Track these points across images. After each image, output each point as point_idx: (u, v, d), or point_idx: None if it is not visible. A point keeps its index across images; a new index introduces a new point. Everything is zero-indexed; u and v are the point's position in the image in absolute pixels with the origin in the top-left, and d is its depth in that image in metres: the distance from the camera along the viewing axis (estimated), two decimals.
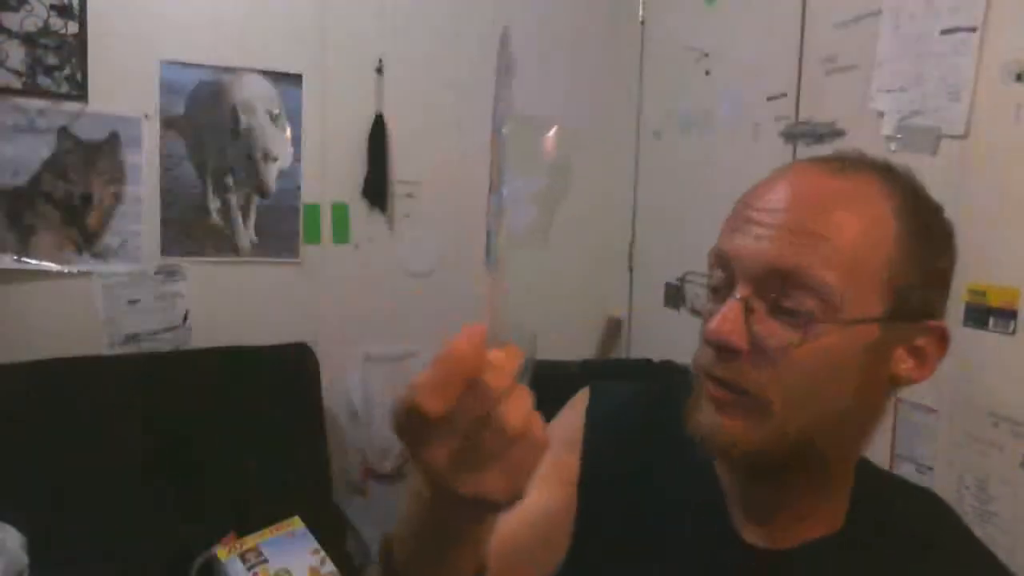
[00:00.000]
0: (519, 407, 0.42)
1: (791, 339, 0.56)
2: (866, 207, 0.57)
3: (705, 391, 0.60)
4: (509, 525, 0.54)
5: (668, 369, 1.74)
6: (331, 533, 1.92)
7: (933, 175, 1.48)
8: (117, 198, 2.01)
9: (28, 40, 1.88)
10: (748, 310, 0.57)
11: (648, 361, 1.89)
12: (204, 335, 2.11)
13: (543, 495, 0.70)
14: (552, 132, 0.45)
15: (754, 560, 0.65)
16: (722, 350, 0.58)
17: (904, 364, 0.60)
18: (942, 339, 0.60)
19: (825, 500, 0.65)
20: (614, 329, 2.53)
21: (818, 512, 0.65)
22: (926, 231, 0.59)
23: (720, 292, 0.61)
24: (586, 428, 0.75)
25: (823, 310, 0.55)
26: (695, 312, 0.61)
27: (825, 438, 0.59)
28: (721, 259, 0.61)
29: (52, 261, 1.96)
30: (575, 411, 0.76)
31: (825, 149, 1.65)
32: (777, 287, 0.56)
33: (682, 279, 0.65)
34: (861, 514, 0.65)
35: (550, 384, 1.02)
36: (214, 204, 2.12)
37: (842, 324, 0.55)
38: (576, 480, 0.72)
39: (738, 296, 0.57)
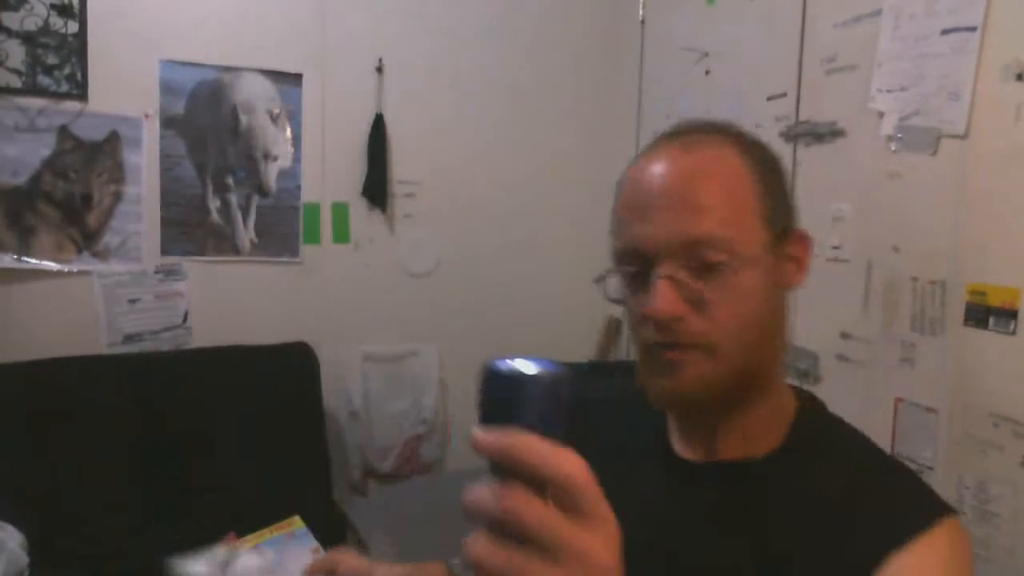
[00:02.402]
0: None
1: (716, 290, 0.67)
2: (724, 167, 0.70)
3: (660, 359, 0.70)
4: None
5: None
6: (331, 533, 1.92)
7: (933, 175, 1.48)
8: (117, 198, 2.01)
9: (28, 39, 1.88)
10: (675, 281, 0.67)
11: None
12: (204, 335, 2.11)
13: None
14: None
15: (688, 470, 0.75)
16: (667, 321, 0.68)
17: (788, 271, 0.72)
18: (806, 241, 0.73)
19: (759, 421, 0.73)
20: (614, 329, 2.53)
21: (753, 435, 0.73)
22: (768, 164, 0.72)
23: (640, 277, 0.70)
24: None
25: (730, 258, 0.67)
26: (617, 301, 0.75)
27: (758, 355, 0.71)
28: (633, 251, 0.70)
29: (52, 260, 1.96)
30: None
31: (825, 149, 1.65)
32: (693, 254, 0.67)
33: (603, 277, 0.76)
34: (795, 439, 0.73)
35: None
36: (214, 204, 2.12)
37: (746, 263, 0.67)
38: None
39: (664, 274, 0.67)
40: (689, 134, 0.73)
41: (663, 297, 0.67)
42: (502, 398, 0.40)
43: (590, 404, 0.85)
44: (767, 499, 0.71)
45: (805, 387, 1.73)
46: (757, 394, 0.73)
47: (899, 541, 0.64)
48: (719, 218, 0.67)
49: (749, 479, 0.72)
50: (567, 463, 0.39)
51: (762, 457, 0.73)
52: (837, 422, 0.79)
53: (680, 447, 0.77)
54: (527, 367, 0.40)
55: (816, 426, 0.75)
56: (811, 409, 0.77)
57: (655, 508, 0.74)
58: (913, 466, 1.42)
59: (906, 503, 0.69)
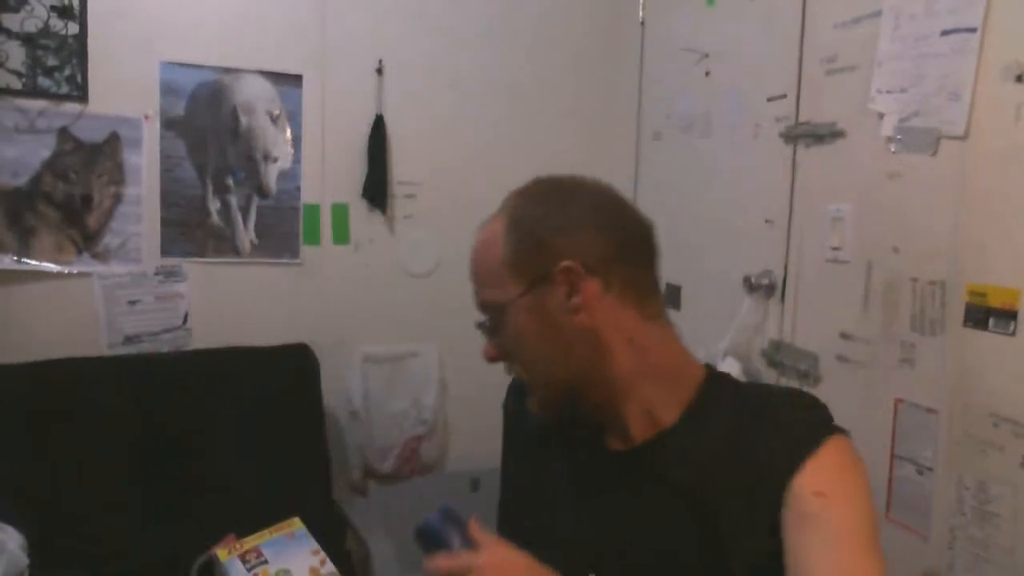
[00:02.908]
0: None
1: (505, 339, 0.86)
2: (486, 237, 0.87)
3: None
4: None
5: None
6: (331, 533, 1.92)
7: (933, 175, 1.48)
8: (117, 199, 2.01)
9: (28, 41, 1.88)
10: (488, 335, 0.88)
11: None
12: (204, 335, 2.11)
13: None
14: None
15: (612, 459, 0.88)
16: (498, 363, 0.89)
17: (565, 297, 0.82)
18: (567, 271, 0.81)
19: (657, 402, 0.84)
20: None
21: (657, 414, 0.84)
22: (520, 222, 0.84)
23: None
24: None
25: (497, 313, 0.85)
26: None
27: (570, 371, 0.84)
28: None
29: (52, 262, 1.96)
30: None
31: (825, 149, 1.65)
32: (484, 314, 0.87)
33: None
34: (697, 404, 0.84)
35: None
36: (214, 205, 2.12)
37: (507, 312, 0.84)
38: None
39: (481, 330, 0.89)
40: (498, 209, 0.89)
41: (484, 348, 0.89)
42: (421, 538, 0.79)
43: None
44: (680, 464, 0.81)
45: (805, 388, 1.74)
46: (632, 386, 0.84)
47: (793, 466, 0.74)
48: (481, 283, 0.87)
49: (661, 452, 0.83)
50: (442, 566, 0.74)
51: (669, 427, 0.84)
52: (735, 383, 0.89)
53: (610, 440, 0.89)
54: (429, 520, 0.79)
55: (715, 391, 0.85)
56: (713, 381, 0.87)
57: (600, 508, 0.87)
58: (913, 466, 1.42)
59: (794, 430, 0.78)
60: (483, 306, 0.87)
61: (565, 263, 0.81)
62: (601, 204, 0.87)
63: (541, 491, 0.95)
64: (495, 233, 0.85)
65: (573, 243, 0.82)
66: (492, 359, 0.88)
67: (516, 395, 1.03)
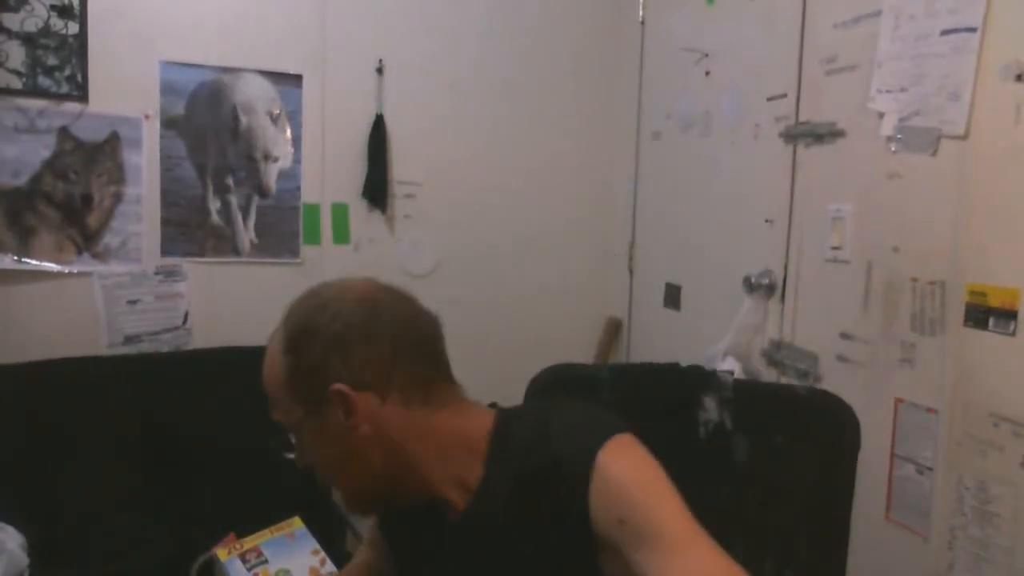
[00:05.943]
0: None
1: (300, 451, 0.89)
2: (269, 355, 0.87)
3: None
4: None
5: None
6: (331, 533, 1.92)
7: (933, 175, 1.48)
8: (117, 198, 2.01)
9: (28, 40, 1.88)
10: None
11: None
12: (204, 335, 2.11)
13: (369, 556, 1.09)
14: None
15: (448, 531, 0.89)
16: None
17: (343, 417, 0.82)
18: (341, 395, 0.81)
19: (459, 470, 0.86)
20: (614, 329, 2.53)
21: (462, 481, 0.86)
22: (297, 344, 0.84)
23: None
24: None
25: (289, 429, 0.88)
26: None
27: (370, 477, 0.86)
28: None
29: (52, 261, 1.96)
30: None
31: (825, 149, 1.65)
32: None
33: None
34: (488, 464, 0.85)
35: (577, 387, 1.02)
36: (214, 204, 2.12)
37: (297, 430, 0.88)
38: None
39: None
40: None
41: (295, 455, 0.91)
42: None
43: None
44: (494, 518, 0.83)
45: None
46: (438, 469, 0.85)
47: (583, 500, 0.76)
48: (271, 402, 0.88)
49: (477, 513, 0.85)
50: None
51: (476, 487, 0.85)
52: (520, 416, 0.90)
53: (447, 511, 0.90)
54: None
55: (502, 438, 0.86)
56: (497, 428, 0.87)
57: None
58: (913, 466, 1.42)
59: (577, 446, 0.80)
60: (279, 421, 0.89)
61: (335, 387, 0.81)
62: (371, 312, 0.85)
63: (398, 564, 1.01)
64: (274, 353, 0.86)
65: (344, 362, 0.82)
66: (300, 469, 0.91)
67: None
